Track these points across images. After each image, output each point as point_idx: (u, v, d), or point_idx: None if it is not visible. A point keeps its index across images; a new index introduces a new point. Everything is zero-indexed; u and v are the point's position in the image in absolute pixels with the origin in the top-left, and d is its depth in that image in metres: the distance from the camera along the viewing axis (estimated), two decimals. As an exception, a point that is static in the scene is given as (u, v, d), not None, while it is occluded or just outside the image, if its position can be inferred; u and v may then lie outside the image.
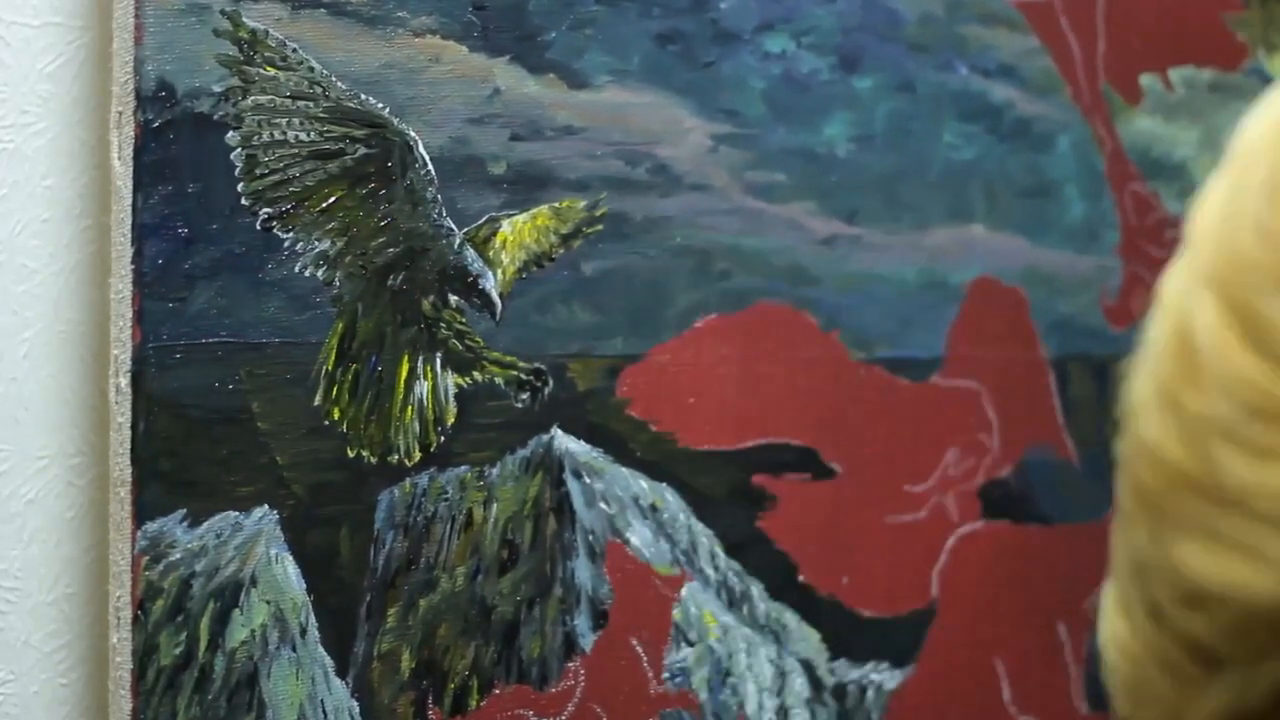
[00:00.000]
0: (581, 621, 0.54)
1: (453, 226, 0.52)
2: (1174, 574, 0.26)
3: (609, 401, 0.55)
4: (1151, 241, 0.70)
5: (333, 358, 0.50)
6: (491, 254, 0.53)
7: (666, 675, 0.56)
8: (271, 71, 0.48)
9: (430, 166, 0.51)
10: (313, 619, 0.49)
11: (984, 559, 0.65)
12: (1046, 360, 0.67)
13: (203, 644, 0.47)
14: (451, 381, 0.52)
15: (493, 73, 0.53)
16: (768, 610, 0.58)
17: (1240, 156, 0.25)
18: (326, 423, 0.49)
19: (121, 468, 0.46)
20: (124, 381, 0.46)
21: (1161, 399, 0.26)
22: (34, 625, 0.51)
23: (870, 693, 0.61)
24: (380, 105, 0.50)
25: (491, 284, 0.53)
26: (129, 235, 0.47)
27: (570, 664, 0.54)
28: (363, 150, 0.50)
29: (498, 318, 0.53)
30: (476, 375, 0.52)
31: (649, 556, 0.56)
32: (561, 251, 0.54)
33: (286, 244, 0.49)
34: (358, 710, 0.49)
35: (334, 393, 0.49)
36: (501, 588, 0.52)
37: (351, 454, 0.50)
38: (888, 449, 0.62)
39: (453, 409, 0.52)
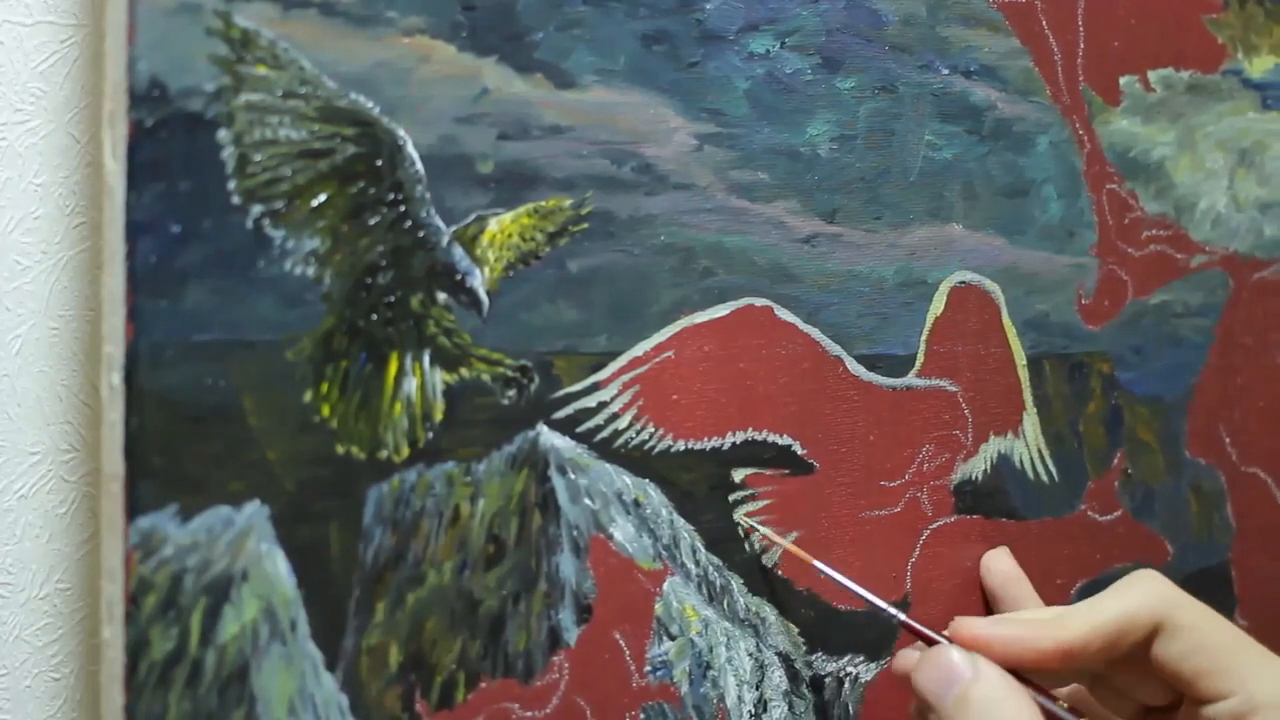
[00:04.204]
0: (566, 615, 0.55)
1: (441, 224, 0.52)
2: None
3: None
4: (1128, 241, 0.71)
5: (322, 355, 0.50)
6: (479, 252, 0.53)
7: (648, 668, 0.57)
8: (263, 70, 0.49)
9: (419, 165, 0.52)
10: (302, 614, 0.49)
11: (957, 553, 0.66)
12: (1022, 358, 0.68)
13: (194, 639, 0.47)
14: (439, 378, 0.52)
15: (481, 72, 0.53)
16: (747, 604, 0.59)
17: None
18: (316, 419, 0.49)
19: (114, 463, 0.46)
20: (116, 378, 0.46)
21: None
22: (26, 620, 0.51)
23: (847, 684, 0.62)
24: (370, 104, 0.51)
25: (479, 281, 0.53)
26: (121, 233, 0.47)
27: (555, 657, 0.54)
28: (352, 149, 0.50)
29: (485, 315, 0.53)
30: (464, 372, 0.53)
31: (632, 551, 0.56)
32: (548, 249, 0.54)
33: (277, 242, 0.49)
34: (346, 704, 0.50)
35: (323, 389, 0.50)
36: (487, 582, 0.53)
37: (341, 450, 0.50)
38: (865, 445, 0.63)
39: (441, 405, 0.52)
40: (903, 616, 0.57)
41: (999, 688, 0.52)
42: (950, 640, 0.55)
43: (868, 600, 0.58)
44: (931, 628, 0.62)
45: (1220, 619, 0.56)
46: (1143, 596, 0.55)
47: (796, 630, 0.61)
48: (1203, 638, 0.55)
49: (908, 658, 0.57)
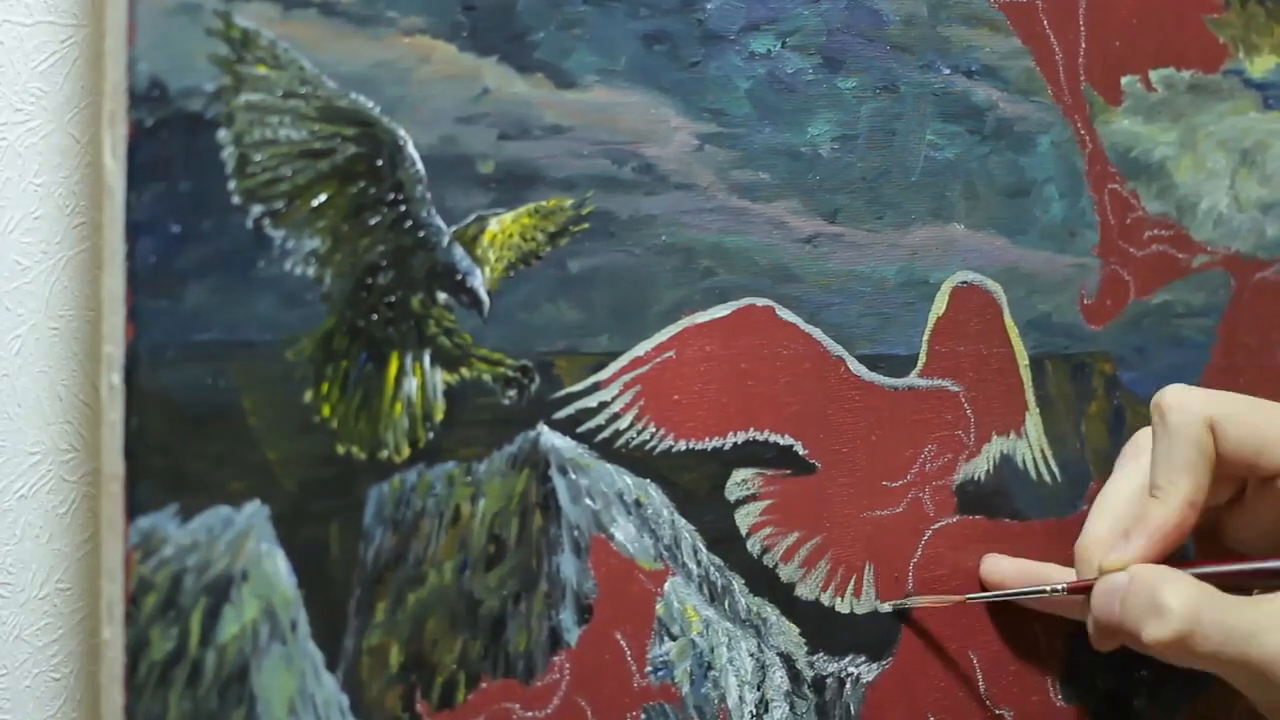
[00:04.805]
0: (566, 616, 0.55)
1: (441, 224, 0.52)
2: None
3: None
4: (1130, 241, 0.71)
5: (322, 355, 0.50)
6: (480, 252, 0.53)
7: (649, 669, 0.57)
8: (263, 70, 0.49)
9: (420, 165, 0.52)
10: (303, 614, 0.49)
11: (959, 553, 0.65)
12: (1024, 358, 0.67)
13: (194, 639, 0.47)
14: (440, 378, 0.52)
15: (481, 72, 0.53)
16: (748, 604, 0.59)
17: None
18: (316, 419, 0.49)
19: (114, 464, 0.46)
20: (116, 378, 0.46)
21: None
22: (26, 620, 0.51)
23: (848, 685, 0.62)
24: (370, 104, 0.51)
25: (479, 281, 0.53)
26: (121, 232, 0.47)
27: (555, 658, 0.54)
28: (353, 149, 0.50)
29: (485, 315, 0.53)
30: (464, 372, 0.53)
31: (633, 551, 0.56)
32: (548, 250, 0.54)
33: (277, 242, 0.49)
34: (347, 704, 0.50)
35: (324, 390, 0.50)
36: (488, 582, 0.53)
37: (341, 450, 0.50)
38: (867, 445, 0.63)
39: (441, 406, 0.52)
40: (1060, 586, 0.61)
41: (1150, 572, 0.56)
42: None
43: (1029, 593, 0.64)
44: (939, 625, 0.62)
45: (1260, 400, 0.60)
46: (1189, 413, 0.58)
47: (798, 631, 0.60)
48: (1254, 419, 0.58)
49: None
